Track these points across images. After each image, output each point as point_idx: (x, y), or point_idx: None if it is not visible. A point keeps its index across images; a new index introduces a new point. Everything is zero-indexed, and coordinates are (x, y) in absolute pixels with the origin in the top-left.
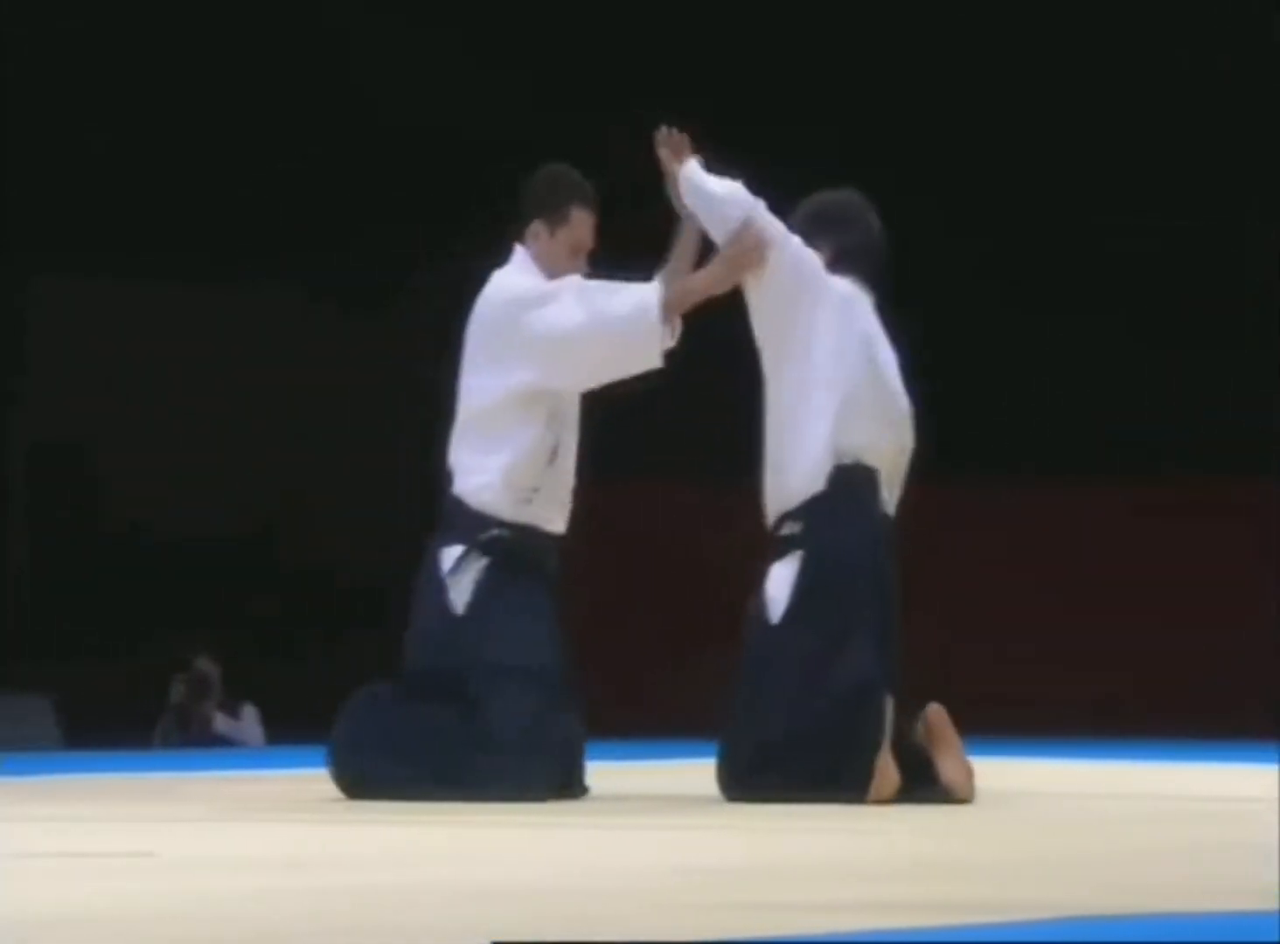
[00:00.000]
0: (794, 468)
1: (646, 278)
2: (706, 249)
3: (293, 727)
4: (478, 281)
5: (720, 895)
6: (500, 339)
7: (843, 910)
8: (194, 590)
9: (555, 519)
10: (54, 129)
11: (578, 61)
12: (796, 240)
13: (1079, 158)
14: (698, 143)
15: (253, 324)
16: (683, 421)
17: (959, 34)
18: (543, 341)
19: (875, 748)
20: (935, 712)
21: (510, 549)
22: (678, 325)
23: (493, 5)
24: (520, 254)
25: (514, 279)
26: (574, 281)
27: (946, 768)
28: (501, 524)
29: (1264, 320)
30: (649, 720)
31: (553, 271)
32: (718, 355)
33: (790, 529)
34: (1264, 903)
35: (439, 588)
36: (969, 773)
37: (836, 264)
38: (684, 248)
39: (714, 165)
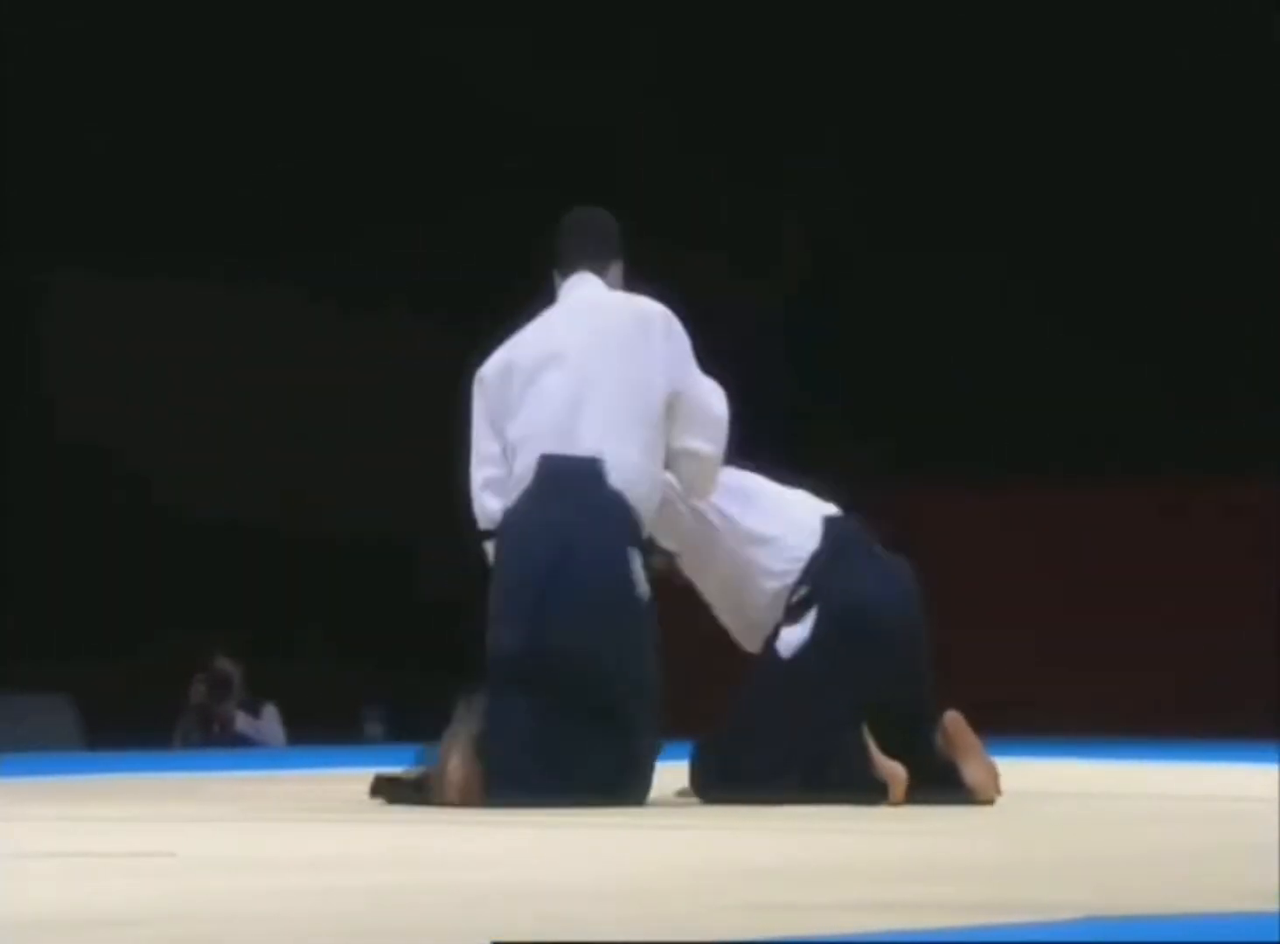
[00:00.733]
0: (783, 539)
1: None
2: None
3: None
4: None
5: (727, 896)
6: (669, 368)
7: (852, 910)
8: (214, 588)
9: None
10: (54, 128)
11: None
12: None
13: (1080, 158)
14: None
15: (276, 323)
16: None
17: (949, 31)
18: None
19: (866, 765)
20: (953, 718)
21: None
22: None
23: (496, 5)
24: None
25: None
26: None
27: (971, 771)
28: None
29: (1270, 319)
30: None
31: None
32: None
33: (799, 594)
34: (1265, 904)
35: (628, 585)
36: (994, 774)
37: None
38: None
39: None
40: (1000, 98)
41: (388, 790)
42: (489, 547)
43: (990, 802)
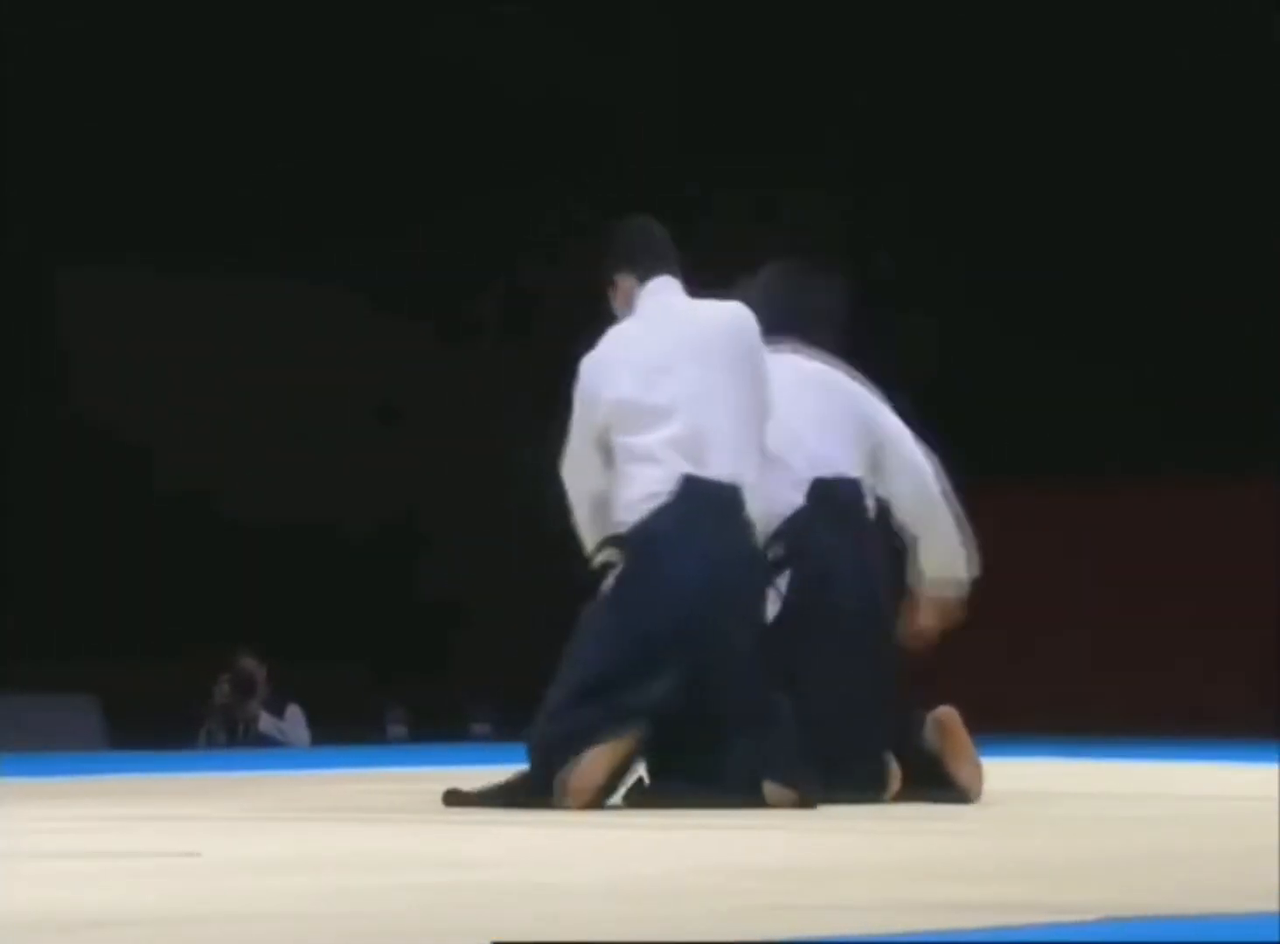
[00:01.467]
0: (771, 489)
1: None
2: None
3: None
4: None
5: (731, 896)
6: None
7: (862, 911)
8: (239, 589)
9: None
10: (56, 127)
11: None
12: None
13: (1081, 158)
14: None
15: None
16: None
17: (948, 32)
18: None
19: (885, 750)
20: (947, 713)
21: None
22: None
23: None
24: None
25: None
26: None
27: (960, 770)
28: None
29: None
30: None
31: None
32: None
33: (774, 552)
34: (1265, 904)
35: (762, 621)
36: (980, 774)
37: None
38: None
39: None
40: (1000, 99)
41: (471, 798)
42: (602, 551)
43: (974, 801)
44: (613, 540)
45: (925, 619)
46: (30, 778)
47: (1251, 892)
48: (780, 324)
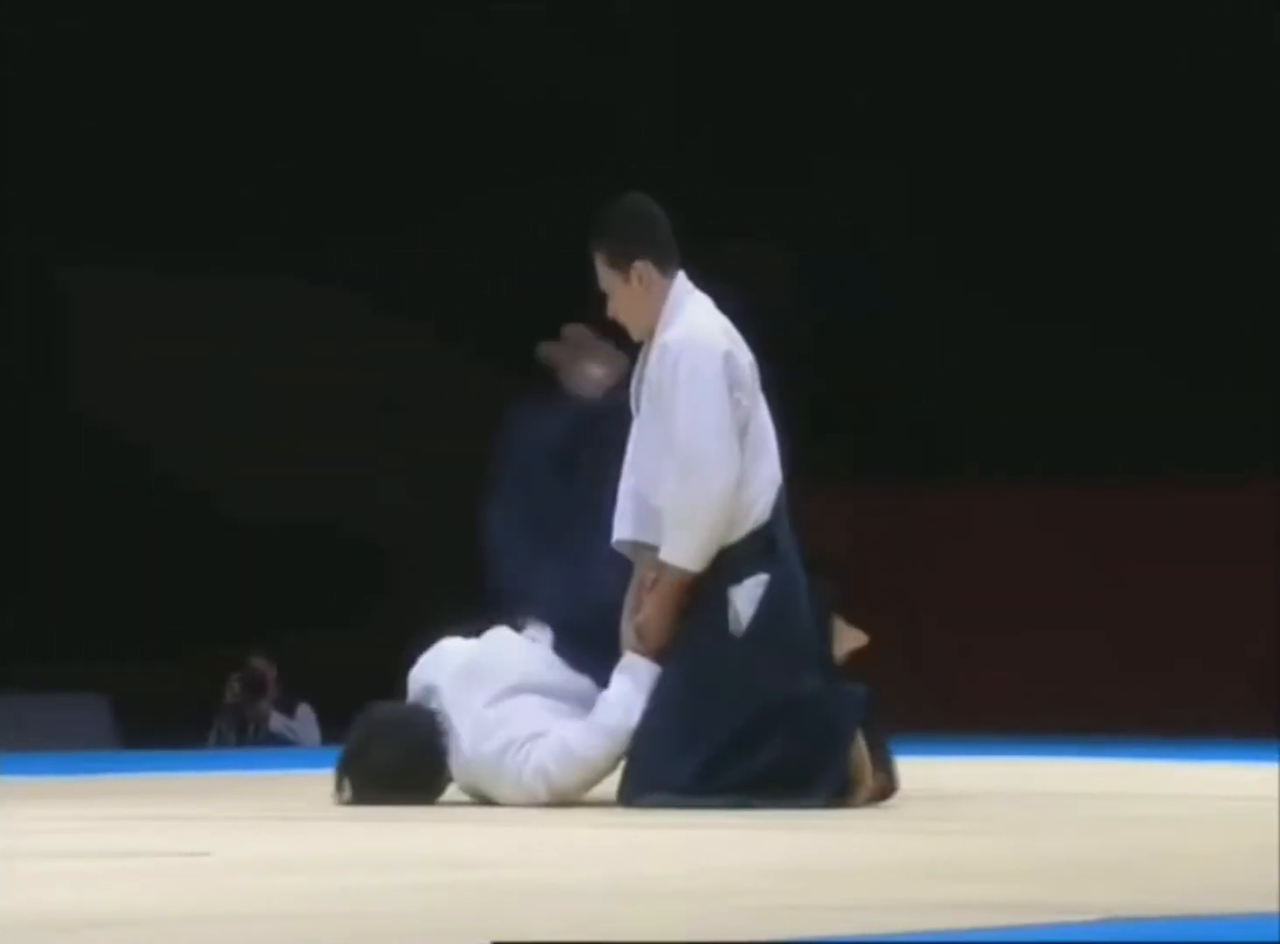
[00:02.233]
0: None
1: None
2: None
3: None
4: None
5: (737, 896)
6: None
7: (875, 911)
8: (249, 588)
9: None
10: (56, 127)
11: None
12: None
13: (1082, 159)
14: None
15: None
16: None
17: (947, 32)
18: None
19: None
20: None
21: None
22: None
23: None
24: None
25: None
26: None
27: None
28: None
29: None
30: None
31: None
32: None
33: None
34: (1265, 904)
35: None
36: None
37: None
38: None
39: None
40: (1003, 99)
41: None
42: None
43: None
44: (756, 550)
45: None
46: (40, 777)
47: (1252, 892)
48: None
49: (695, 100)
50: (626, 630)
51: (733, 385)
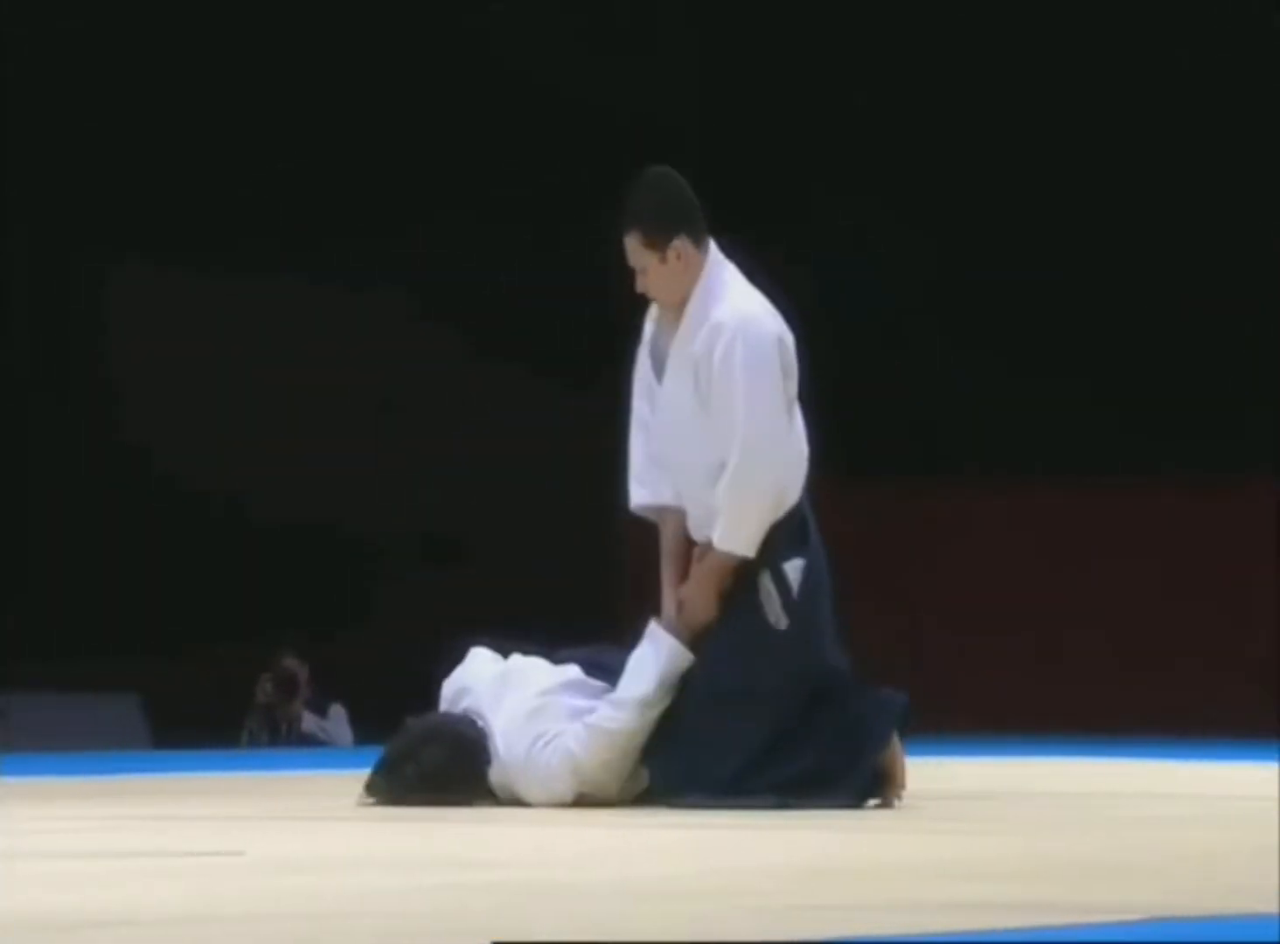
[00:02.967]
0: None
1: None
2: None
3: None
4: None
5: (748, 896)
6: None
7: (872, 911)
8: (282, 588)
9: None
10: (55, 126)
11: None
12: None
13: (1082, 159)
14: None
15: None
16: None
17: (947, 31)
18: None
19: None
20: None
21: None
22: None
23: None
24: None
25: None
26: None
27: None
28: None
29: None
30: None
31: None
32: None
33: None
34: (1265, 905)
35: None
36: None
37: None
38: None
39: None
40: (1003, 100)
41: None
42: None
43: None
44: (792, 530)
45: None
46: (73, 777)
47: (1252, 892)
48: None
49: (694, 99)
50: (667, 601)
51: (785, 369)
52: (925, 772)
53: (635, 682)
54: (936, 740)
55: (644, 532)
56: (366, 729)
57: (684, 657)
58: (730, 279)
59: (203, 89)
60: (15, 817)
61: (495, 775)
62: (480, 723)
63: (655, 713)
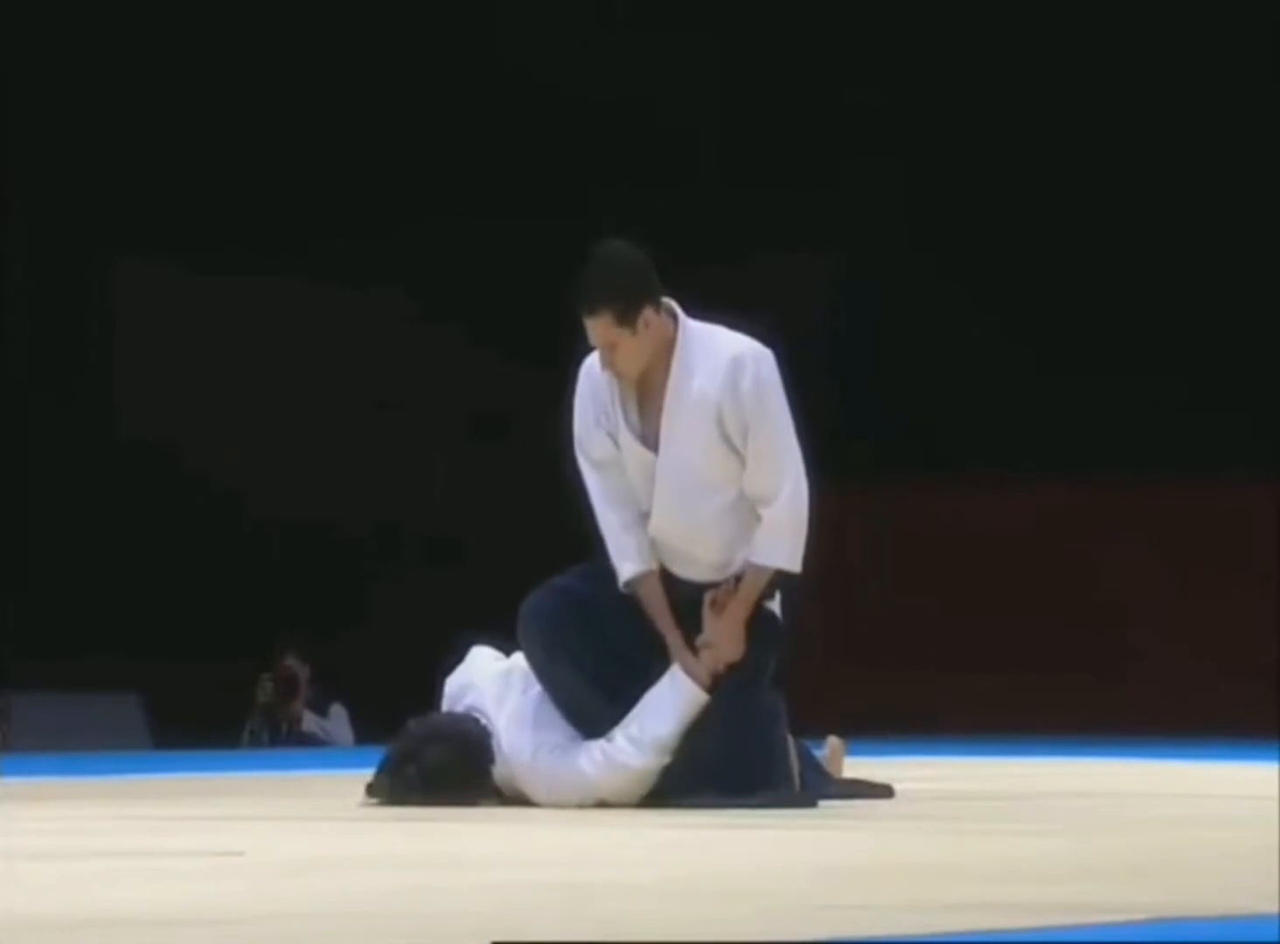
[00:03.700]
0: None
1: None
2: None
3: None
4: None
5: (760, 897)
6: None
7: (889, 911)
8: (282, 588)
9: None
10: (56, 124)
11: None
12: None
13: (1088, 160)
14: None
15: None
16: None
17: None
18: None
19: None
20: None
21: None
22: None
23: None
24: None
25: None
26: None
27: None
28: None
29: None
30: None
31: None
32: None
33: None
34: (1265, 905)
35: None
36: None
37: None
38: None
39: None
40: (1003, 100)
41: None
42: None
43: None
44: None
45: None
46: (73, 777)
47: (1251, 892)
48: None
49: (692, 102)
50: (678, 649)
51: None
52: (925, 772)
53: (656, 721)
54: (935, 740)
55: None
56: (367, 729)
57: (702, 701)
58: (693, 321)
59: (203, 89)
60: (15, 817)
61: (499, 773)
62: (484, 721)
63: (670, 756)
